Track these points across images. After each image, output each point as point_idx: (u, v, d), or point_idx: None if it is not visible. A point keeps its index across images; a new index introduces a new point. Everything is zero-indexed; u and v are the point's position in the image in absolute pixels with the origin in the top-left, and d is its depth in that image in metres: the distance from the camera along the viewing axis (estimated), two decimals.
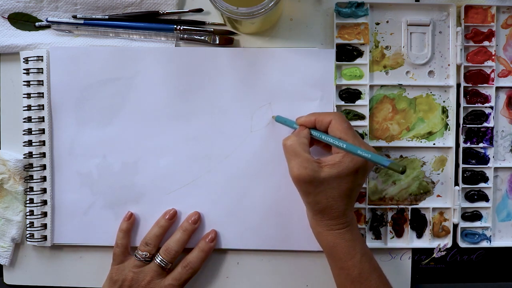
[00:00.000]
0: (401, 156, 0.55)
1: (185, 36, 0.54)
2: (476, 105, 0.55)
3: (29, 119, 0.54)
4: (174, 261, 0.52)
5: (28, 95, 0.54)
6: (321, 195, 0.45)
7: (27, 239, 0.54)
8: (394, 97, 0.55)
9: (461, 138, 0.55)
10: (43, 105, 0.54)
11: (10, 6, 0.54)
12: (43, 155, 0.54)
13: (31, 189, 0.54)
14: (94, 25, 0.54)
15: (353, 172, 0.45)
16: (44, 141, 0.54)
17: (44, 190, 0.54)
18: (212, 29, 0.54)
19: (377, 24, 0.55)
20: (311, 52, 0.54)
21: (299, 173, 0.45)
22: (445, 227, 0.55)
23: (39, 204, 0.54)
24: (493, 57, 0.54)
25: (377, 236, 0.55)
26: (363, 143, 0.46)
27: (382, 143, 0.55)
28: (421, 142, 0.55)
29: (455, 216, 0.54)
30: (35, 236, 0.54)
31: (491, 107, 0.55)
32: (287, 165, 0.46)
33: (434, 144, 0.55)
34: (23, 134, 0.54)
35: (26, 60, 0.54)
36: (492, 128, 0.55)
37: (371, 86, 0.54)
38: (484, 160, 0.55)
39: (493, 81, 0.54)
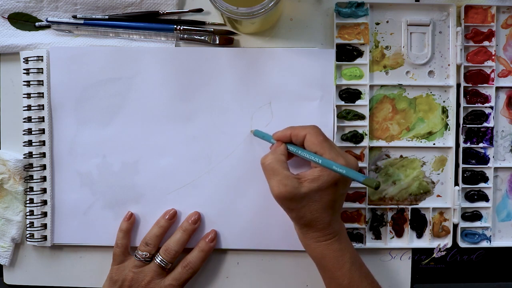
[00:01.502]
0: (401, 156, 0.55)
1: (185, 36, 0.54)
2: (476, 105, 0.55)
3: (29, 119, 0.54)
4: (174, 261, 0.52)
5: (28, 95, 0.54)
6: (305, 209, 0.45)
7: (27, 239, 0.54)
8: (394, 97, 0.55)
9: (461, 138, 0.55)
10: (43, 105, 0.54)
11: (10, 6, 0.54)
12: (43, 155, 0.54)
13: (31, 189, 0.54)
14: (94, 25, 0.54)
15: (332, 184, 0.45)
16: (44, 141, 0.54)
17: (44, 190, 0.54)
18: (212, 29, 0.54)
19: (377, 24, 0.55)
20: (311, 52, 0.54)
21: (279, 191, 0.44)
22: (445, 227, 0.55)
23: (39, 204, 0.54)
24: (493, 57, 0.54)
25: (377, 236, 0.55)
26: (340, 154, 0.45)
27: (382, 143, 0.55)
28: (421, 142, 0.55)
29: (455, 216, 0.54)
30: (35, 236, 0.54)
31: (491, 107, 0.55)
32: (268, 184, 0.46)
33: (434, 144, 0.55)
34: (23, 134, 0.54)
35: (26, 60, 0.54)
36: (492, 128, 0.55)
37: (371, 86, 0.54)
38: (484, 160, 0.55)
39: (493, 81, 0.54)
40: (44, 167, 0.54)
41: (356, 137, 0.54)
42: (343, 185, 0.46)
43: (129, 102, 0.54)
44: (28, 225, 0.54)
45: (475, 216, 0.55)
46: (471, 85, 0.54)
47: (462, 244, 0.55)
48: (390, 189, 0.55)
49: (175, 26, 0.54)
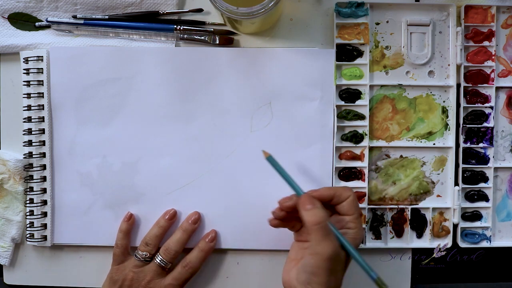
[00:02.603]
0: (401, 156, 0.55)
1: (185, 36, 0.54)
2: (476, 105, 0.55)
3: (29, 119, 0.54)
4: (174, 261, 0.52)
5: (28, 95, 0.54)
6: (341, 273, 0.44)
7: (27, 239, 0.54)
8: (394, 97, 0.55)
9: (461, 138, 0.55)
10: (43, 105, 0.54)
11: (10, 6, 0.54)
12: (43, 155, 0.54)
13: (31, 189, 0.54)
14: (94, 25, 0.54)
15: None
16: (44, 141, 0.54)
17: (44, 190, 0.54)
18: (212, 29, 0.54)
19: (377, 24, 0.55)
20: (311, 52, 0.54)
21: (333, 252, 0.43)
22: (445, 227, 0.55)
23: (39, 204, 0.54)
24: (493, 57, 0.54)
25: (377, 236, 0.55)
26: (361, 224, 0.47)
27: (382, 143, 0.55)
28: (421, 142, 0.55)
29: (455, 216, 0.54)
30: (35, 236, 0.54)
31: (491, 107, 0.55)
32: (313, 243, 0.43)
33: (434, 144, 0.55)
34: (23, 134, 0.54)
35: (26, 60, 0.54)
36: (492, 128, 0.55)
37: (371, 86, 0.54)
38: (484, 160, 0.55)
39: (493, 81, 0.54)
40: (44, 167, 0.54)
41: (356, 137, 0.54)
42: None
43: (129, 102, 0.54)
44: (28, 225, 0.54)
45: (475, 216, 0.55)
46: (471, 85, 0.54)
47: (462, 244, 0.55)
48: (390, 189, 0.55)
49: (175, 26, 0.54)
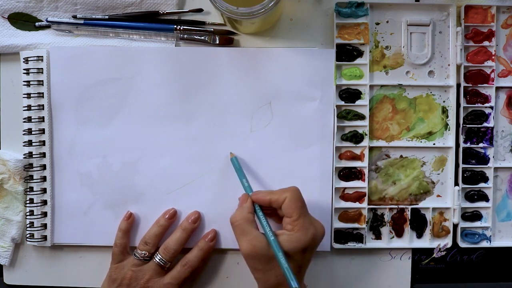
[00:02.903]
0: (401, 156, 0.55)
1: (185, 36, 0.54)
2: (476, 105, 0.55)
3: (29, 119, 0.54)
4: (173, 260, 0.52)
5: (28, 95, 0.54)
6: (271, 272, 0.45)
7: (27, 239, 0.54)
8: (394, 97, 0.55)
9: (461, 138, 0.55)
10: (43, 105, 0.54)
11: (10, 6, 0.54)
12: (43, 155, 0.54)
13: (31, 189, 0.54)
14: (94, 25, 0.54)
15: (301, 251, 0.45)
16: (44, 141, 0.54)
17: (44, 190, 0.54)
18: (212, 29, 0.54)
19: (377, 24, 0.55)
20: (311, 52, 0.54)
21: (247, 251, 0.45)
22: (445, 227, 0.55)
23: (39, 204, 0.54)
24: (493, 57, 0.54)
25: (377, 236, 0.55)
26: (312, 223, 0.46)
27: (382, 143, 0.55)
28: (421, 142, 0.55)
29: (455, 216, 0.54)
30: (35, 236, 0.54)
31: (491, 107, 0.55)
32: (237, 241, 0.46)
33: (434, 144, 0.55)
34: (23, 134, 0.54)
35: (26, 60, 0.54)
36: (492, 128, 0.55)
37: (371, 86, 0.54)
38: (484, 160, 0.55)
39: (493, 81, 0.54)
40: (44, 167, 0.54)
41: (356, 137, 0.54)
42: (310, 252, 0.46)
43: (129, 102, 0.54)
44: (28, 225, 0.54)
45: (475, 216, 0.55)
46: (471, 85, 0.54)
47: (462, 244, 0.55)
48: (390, 189, 0.55)
49: (175, 26, 0.54)
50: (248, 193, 0.50)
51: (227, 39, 0.54)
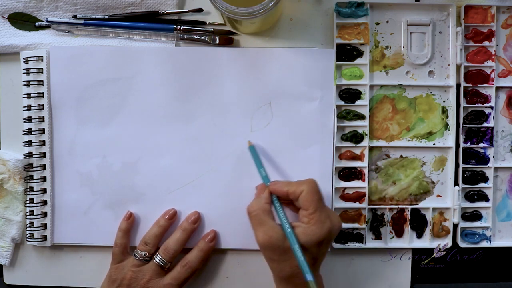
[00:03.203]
0: (401, 156, 0.55)
1: (185, 36, 0.54)
2: (476, 105, 0.55)
3: (29, 119, 0.54)
4: (173, 261, 0.52)
5: (28, 95, 0.54)
6: (286, 263, 0.45)
7: (27, 239, 0.54)
8: (394, 97, 0.55)
9: (461, 138, 0.55)
10: (43, 105, 0.54)
11: (10, 6, 0.54)
12: (43, 155, 0.54)
13: (31, 189, 0.54)
14: (94, 25, 0.54)
15: (316, 243, 0.45)
16: (44, 141, 0.54)
17: (44, 190, 0.54)
18: (212, 29, 0.54)
19: (377, 24, 0.55)
20: (311, 52, 0.54)
21: (263, 241, 0.45)
22: (445, 227, 0.55)
23: (39, 204, 0.54)
24: (493, 57, 0.54)
25: (377, 236, 0.55)
26: (328, 217, 0.46)
27: (382, 143, 0.55)
28: (421, 142, 0.55)
29: (455, 216, 0.54)
30: (35, 236, 0.54)
31: (491, 107, 0.55)
32: (253, 231, 0.46)
33: (434, 144, 0.55)
34: (23, 134, 0.54)
35: (26, 60, 0.54)
36: (492, 128, 0.55)
37: (371, 86, 0.54)
38: (484, 160, 0.55)
39: (493, 81, 0.54)
40: (44, 167, 0.54)
41: (356, 137, 0.54)
42: (326, 245, 0.47)
43: (129, 102, 0.54)
44: (28, 225, 0.54)
45: (475, 216, 0.55)
46: (471, 85, 0.54)
47: (462, 244, 0.55)
48: (390, 189, 0.55)
49: (175, 26, 0.54)
50: (265, 183, 0.50)
51: (227, 39, 0.54)
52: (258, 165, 0.51)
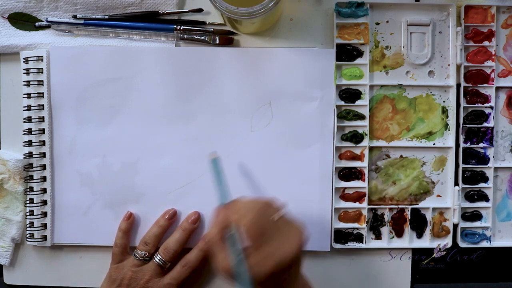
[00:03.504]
0: (401, 156, 0.55)
1: (185, 36, 0.54)
2: (476, 105, 0.55)
3: (29, 119, 0.54)
4: (173, 261, 0.52)
5: (28, 95, 0.54)
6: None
7: (27, 239, 0.54)
8: (394, 97, 0.55)
9: (461, 138, 0.55)
10: (43, 105, 0.54)
11: (10, 6, 0.54)
12: (43, 155, 0.54)
13: (31, 189, 0.54)
14: (94, 25, 0.54)
15: (286, 267, 0.41)
16: (44, 141, 0.54)
17: (44, 190, 0.54)
18: (212, 29, 0.54)
19: (377, 24, 0.55)
20: (311, 52, 0.54)
21: (224, 268, 0.41)
22: (445, 227, 0.55)
23: (39, 204, 0.54)
24: (493, 57, 0.54)
25: (377, 236, 0.55)
26: (287, 235, 0.42)
27: (382, 143, 0.55)
28: (421, 142, 0.55)
29: (455, 216, 0.54)
30: (35, 236, 0.54)
31: (491, 107, 0.55)
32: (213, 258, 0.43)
33: (434, 144, 0.55)
34: (23, 134, 0.54)
35: (26, 60, 0.54)
36: (492, 128, 0.55)
37: (371, 86, 0.54)
38: (484, 160, 0.55)
39: (493, 81, 0.54)
40: (44, 167, 0.54)
41: (356, 137, 0.54)
42: (296, 265, 0.43)
43: (129, 102, 0.54)
44: (28, 225, 0.54)
45: (475, 216, 0.55)
46: (471, 85, 0.54)
47: (462, 244, 0.55)
48: (390, 189, 0.55)
49: (175, 26, 0.54)
50: (223, 202, 0.46)
51: (227, 39, 0.54)
52: (218, 181, 0.47)
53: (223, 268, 0.41)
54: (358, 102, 0.54)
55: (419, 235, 0.55)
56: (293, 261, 0.42)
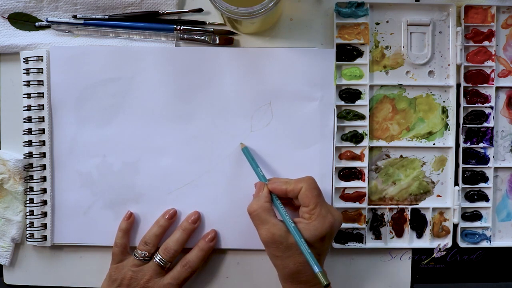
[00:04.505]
0: (401, 156, 0.55)
1: (185, 36, 0.54)
2: (476, 105, 0.55)
3: (29, 119, 0.54)
4: (173, 261, 0.52)
5: (28, 95, 0.54)
6: (289, 259, 0.45)
7: (27, 239, 0.54)
8: (394, 97, 0.55)
9: (461, 138, 0.55)
10: (43, 105, 0.54)
11: (10, 6, 0.54)
12: (43, 155, 0.54)
13: (31, 189, 0.54)
14: (94, 25, 0.54)
15: (319, 239, 0.46)
16: (44, 141, 0.54)
17: (44, 190, 0.54)
18: (212, 29, 0.54)
19: (377, 24, 0.55)
20: (311, 52, 0.54)
21: (267, 238, 0.46)
22: (445, 227, 0.55)
23: (39, 204, 0.54)
24: (493, 57, 0.54)
25: (377, 236, 0.55)
26: (329, 211, 0.47)
27: (382, 143, 0.55)
28: (421, 142, 0.55)
29: (455, 216, 0.54)
30: (35, 236, 0.54)
31: (491, 107, 0.55)
32: (256, 230, 0.47)
33: (434, 144, 0.55)
34: (23, 134, 0.54)
35: (26, 60, 0.54)
36: (492, 128, 0.55)
37: (371, 86, 0.54)
38: (484, 160, 0.55)
39: (493, 81, 0.54)
40: (44, 167, 0.54)
41: (356, 137, 0.54)
42: (328, 240, 0.47)
43: (129, 102, 0.54)
44: (28, 225, 0.54)
45: (475, 216, 0.55)
46: (471, 85, 0.54)
47: (462, 244, 0.55)
48: (390, 189, 0.55)
49: (175, 26, 0.54)
50: (263, 181, 0.50)
51: (227, 39, 0.54)
52: (253, 165, 0.51)
53: (273, 235, 0.45)
54: (358, 102, 0.54)
55: (419, 235, 0.55)
56: (335, 232, 0.47)
